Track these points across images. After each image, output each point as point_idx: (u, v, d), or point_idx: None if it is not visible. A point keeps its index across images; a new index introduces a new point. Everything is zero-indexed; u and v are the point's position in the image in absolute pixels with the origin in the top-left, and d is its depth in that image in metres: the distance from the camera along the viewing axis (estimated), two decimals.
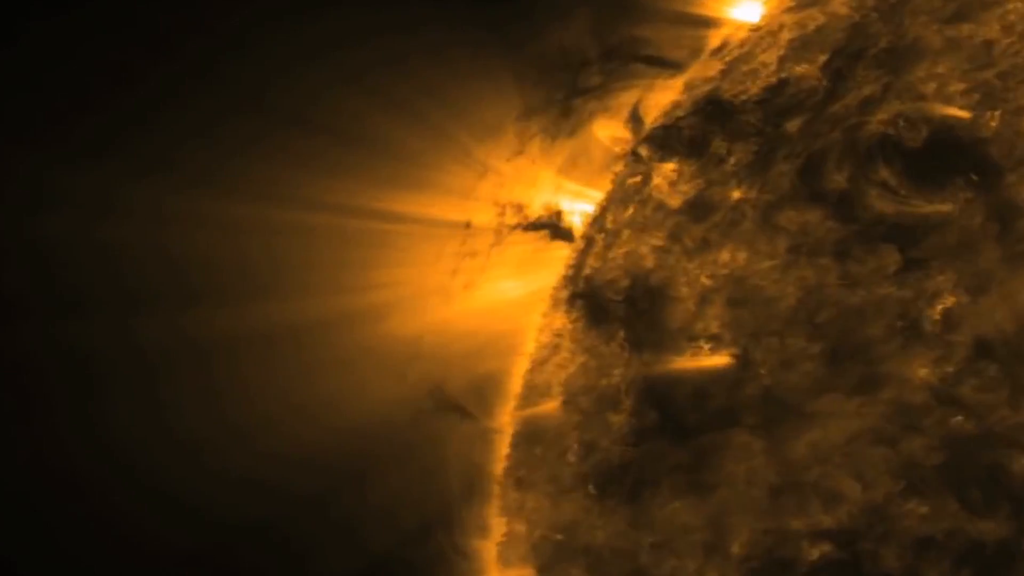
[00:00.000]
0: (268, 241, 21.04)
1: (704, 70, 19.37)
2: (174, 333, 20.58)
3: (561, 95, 22.36)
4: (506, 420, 21.85)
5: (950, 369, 13.96)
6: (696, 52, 20.88)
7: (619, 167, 20.94)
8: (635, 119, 21.82)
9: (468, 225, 22.49)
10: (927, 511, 13.79)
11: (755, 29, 18.84)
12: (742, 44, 18.72)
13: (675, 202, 17.66)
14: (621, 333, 17.62)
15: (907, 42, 15.50)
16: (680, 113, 18.80)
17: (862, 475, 14.30)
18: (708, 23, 20.84)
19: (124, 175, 19.47)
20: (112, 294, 20.06)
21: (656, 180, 18.43)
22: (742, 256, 16.11)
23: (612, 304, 18.14)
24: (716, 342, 16.04)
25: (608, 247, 18.84)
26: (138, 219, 19.89)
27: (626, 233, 18.49)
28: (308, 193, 21.07)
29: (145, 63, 19.51)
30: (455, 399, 22.64)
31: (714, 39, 20.48)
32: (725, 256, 16.35)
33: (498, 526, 21.06)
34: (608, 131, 22.05)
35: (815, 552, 14.64)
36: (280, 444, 20.93)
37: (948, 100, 14.89)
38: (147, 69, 19.58)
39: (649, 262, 17.52)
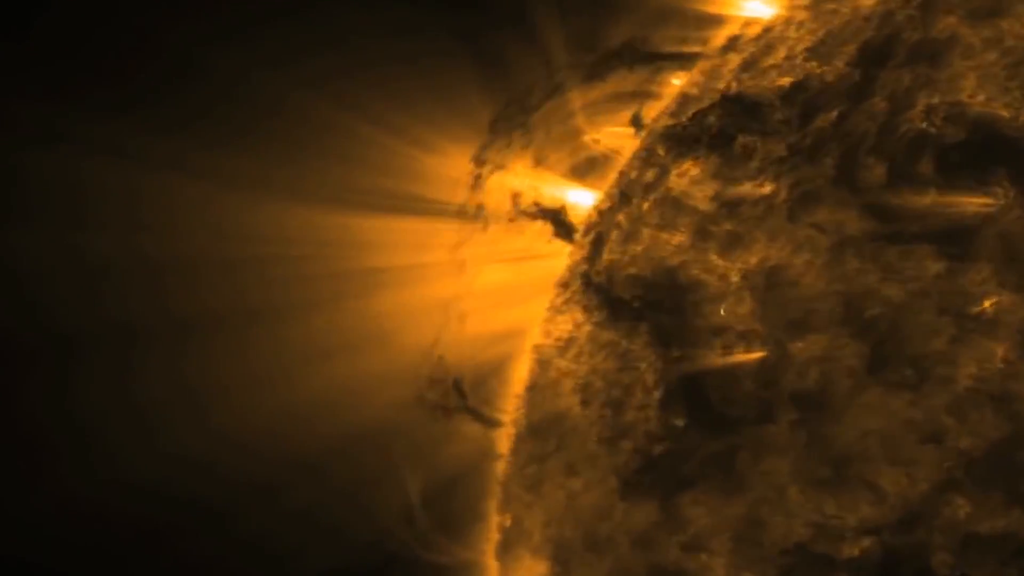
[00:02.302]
0: (262, 235, 20.04)
1: (720, 65, 18.78)
2: (166, 325, 19.61)
3: (562, 91, 21.76)
4: (514, 416, 21.21)
5: (996, 366, 13.53)
6: (704, 48, 20.34)
7: (626, 165, 20.34)
8: (638, 117, 21.30)
9: (467, 222, 21.83)
10: (974, 508, 13.38)
11: (772, 24, 18.28)
12: (759, 39, 18.15)
13: (699, 198, 17.05)
14: (645, 329, 16.99)
15: (940, 37, 15.04)
16: (697, 109, 18.17)
17: (906, 471, 13.86)
18: (715, 19, 20.29)
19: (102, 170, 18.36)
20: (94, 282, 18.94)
21: (674, 177, 17.81)
22: (775, 252, 15.55)
23: (634, 300, 17.50)
24: (750, 338, 15.48)
25: (624, 244, 18.20)
26: (115, 203, 18.70)
27: (644, 230, 17.85)
28: (296, 189, 20.16)
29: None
30: (458, 394, 21.99)
31: (723, 34, 19.94)
32: (757, 252, 15.79)
33: (507, 521, 20.40)
34: (611, 128, 21.48)
35: (856, 548, 14.18)
36: (275, 439, 20.13)
37: (986, 96, 14.44)
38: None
39: (674, 258, 16.90)
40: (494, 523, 21.08)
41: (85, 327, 18.70)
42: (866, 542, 14.10)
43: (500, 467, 21.41)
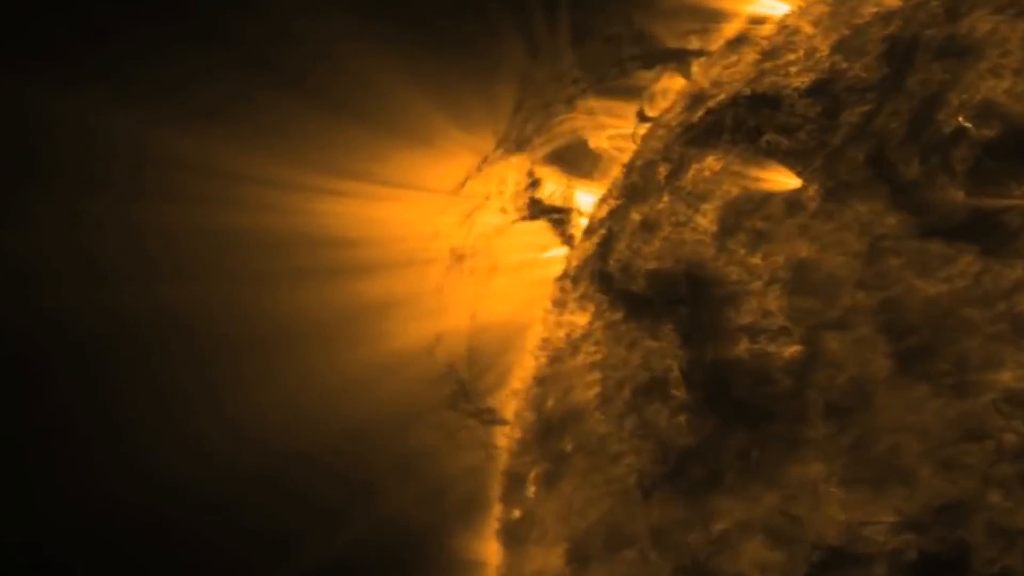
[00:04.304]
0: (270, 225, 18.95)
1: (736, 61, 18.26)
2: (173, 318, 18.66)
3: (565, 88, 21.19)
4: (519, 410, 20.60)
5: None
6: (714, 44, 19.86)
7: (636, 161, 19.78)
8: (643, 113, 20.80)
9: (468, 219, 21.22)
10: (1015, 505, 12.98)
11: (789, 19, 17.78)
12: (776, 34, 17.64)
13: (722, 194, 16.53)
14: (669, 325, 16.41)
15: (971, 35, 14.63)
16: (715, 104, 17.61)
17: (945, 469, 13.45)
18: (725, 14, 19.80)
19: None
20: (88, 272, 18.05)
21: (694, 172, 17.26)
22: (806, 248, 15.08)
23: (656, 296, 16.93)
24: (781, 334, 14.97)
25: (642, 240, 17.61)
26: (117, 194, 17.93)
27: (664, 225, 17.31)
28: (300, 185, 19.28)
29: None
30: (461, 389, 21.39)
31: (735, 30, 19.43)
32: (786, 248, 15.30)
33: (515, 515, 19.79)
34: (616, 125, 20.96)
35: (893, 544, 13.72)
36: (278, 435, 19.64)
37: (1019, 94, 14.05)
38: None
39: (697, 254, 16.36)
40: (500, 517, 20.47)
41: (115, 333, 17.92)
42: (903, 539, 13.65)
43: (505, 461, 20.81)
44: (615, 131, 21.15)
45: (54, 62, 16.40)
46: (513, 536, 19.59)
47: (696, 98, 18.39)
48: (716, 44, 19.82)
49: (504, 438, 21.22)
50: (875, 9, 16.08)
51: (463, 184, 21.25)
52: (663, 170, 17.95)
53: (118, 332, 17.72)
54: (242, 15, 18.31)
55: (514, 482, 19.90)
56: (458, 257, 21.49)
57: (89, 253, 17.45)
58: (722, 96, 17.52)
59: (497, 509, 20.53)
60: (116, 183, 17.25)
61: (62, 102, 16.33)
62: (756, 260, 15.51)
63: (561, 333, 19.22)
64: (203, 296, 18.13)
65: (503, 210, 21.70)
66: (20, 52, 16.34)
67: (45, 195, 16.86)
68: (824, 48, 16.34)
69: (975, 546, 13.24)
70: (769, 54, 17.26)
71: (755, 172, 16.11)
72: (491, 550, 20.74)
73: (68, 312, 17.22)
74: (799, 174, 15.56)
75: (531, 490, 19.21)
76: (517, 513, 19.70)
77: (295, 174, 19.23)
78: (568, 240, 21.43)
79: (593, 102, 21.24)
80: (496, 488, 20.85)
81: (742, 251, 15.74)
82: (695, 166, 17.15)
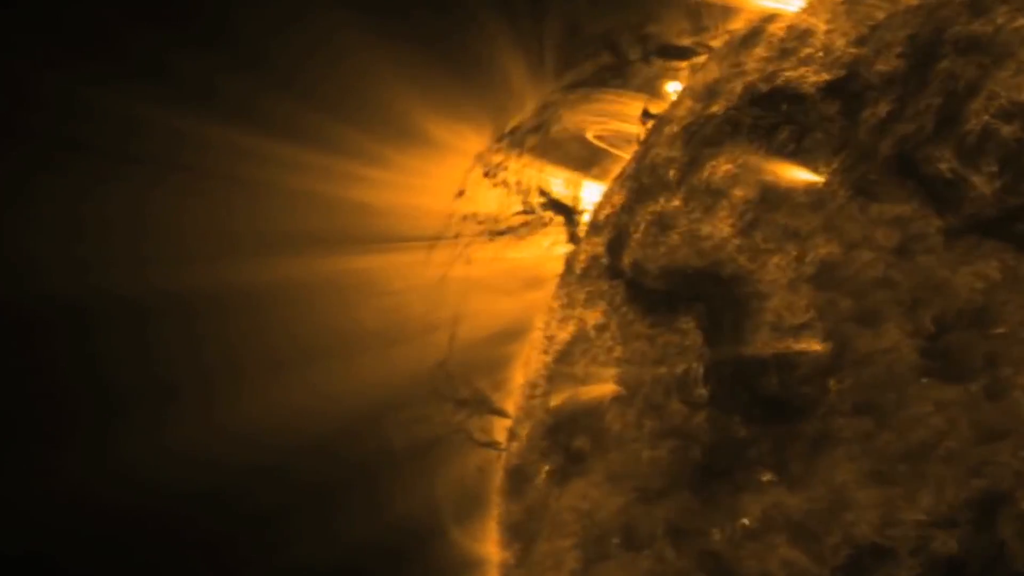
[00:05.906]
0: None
1: (747, 58, 17.79)
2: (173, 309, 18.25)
3: (569, 85, 20.79)
4: (526, 407, 20.11)
5: None
6: (725, 40, 19.42)
7: (647, 157, 19.30)
8: (647, 111, 20.41)
9: (472, 215, 20.72)
10: None
11: (804, 16, 17.35)
12: (791, 30, 17.20)
13: (740, 190, 16.09)
14: (689, 323, 15.95)
15: (997, 32, 14.28)
16: (730, 101, 17.14)
17: (978, 467, 13.13)
18: (734, 11, 19.39)
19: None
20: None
21: (711, 168, 16.79)
22: (831, 244, 14.70)
23: (673, 292, 16.46)
24: (806, 331, 14.55)
25: (658, 236, 17.12)
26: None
27: (681, 222, 16.85)
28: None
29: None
30: (464, 384, 20.90)
31: (747, 26, 18.99)
32: (811, 244, 14.94)
33: (520, 513, 19.29)
34: (621, 122, 20.55)
35: (921, 541, 13.39)
36: (274, 429, 18.91)
37: None
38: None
39: (718, 251, 15.92)
40: (505, 515, 19.98)
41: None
42: (933, 536, 13.31)
43: (510, 458, 20.34)
44: (619, 128, 20.72)
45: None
46: (519, 534, 19.09)
47: (708, 95, 17.92)
48: (726, 40, 19.39)
49: (508, 435, 20.75)
50: (895, 5, 15.67)
51: (465, 181, 20.76)
52: (675, 167, 17.47)
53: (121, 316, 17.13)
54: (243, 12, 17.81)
55: (520, 479, 19.39)
56: (459, 254, 20.98)
57: (98, 238, 16.80)
58: (737, 93, 17.06)
59: (502, 506, 20.03)
60: (128, 174, 16.59)
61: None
62: (779, 257, 15.10)
63: (569, 329, 18.72)
64: (202, 284, 17.52)
65: (506, 207, 21.22)
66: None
67: (56, 184, 16.22)
68: (842, 44, 15.95)
69: (1007, 544, 12.93)
70: (784, 51, 16.81)
71: (775, 169, 15.69)
72: (494, 547, 20.26)
73: (73, 295, 16.55)
74: (822, 171, 15.16)
75: (540, 487, 18.69)
76: (524, 511, 19.19)
77: (297, 172, 18.63)
78: (572, 237, 20.98)
79: (596, 98, 20.82)
80: (500, 485, 20.36)
81: (764, 247, 15.33)
82: (711, 163, 16.70)
